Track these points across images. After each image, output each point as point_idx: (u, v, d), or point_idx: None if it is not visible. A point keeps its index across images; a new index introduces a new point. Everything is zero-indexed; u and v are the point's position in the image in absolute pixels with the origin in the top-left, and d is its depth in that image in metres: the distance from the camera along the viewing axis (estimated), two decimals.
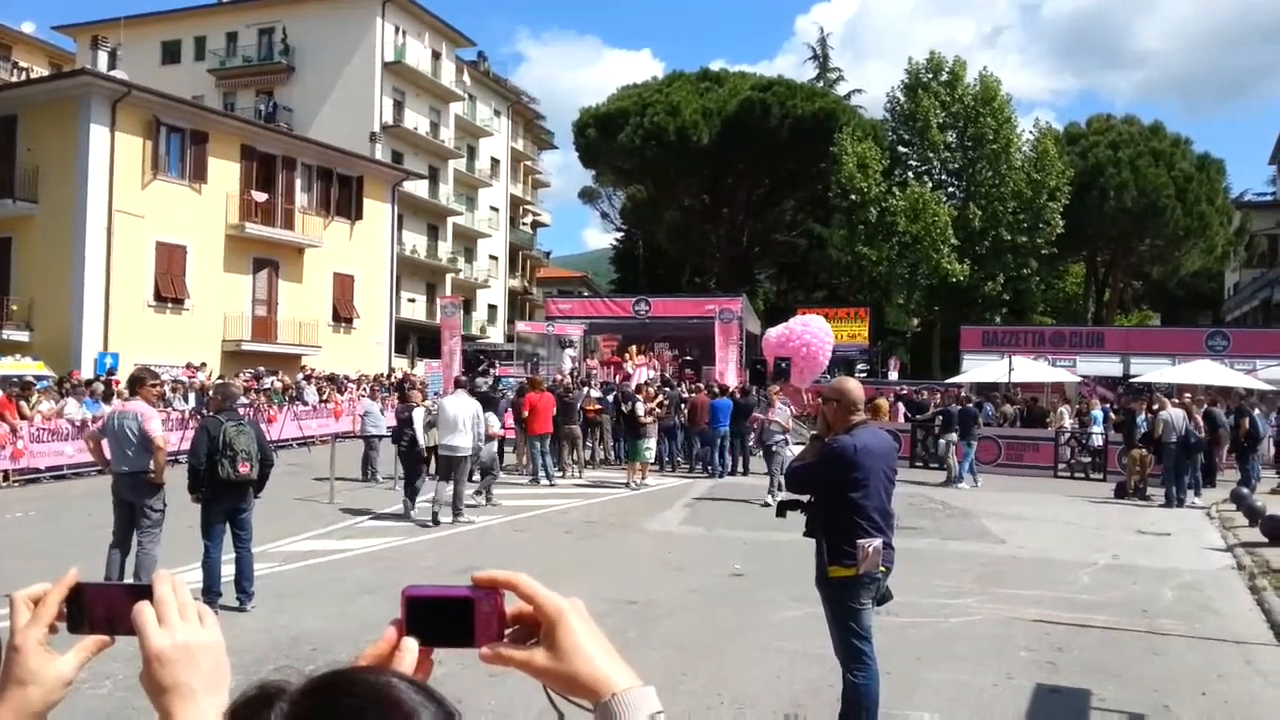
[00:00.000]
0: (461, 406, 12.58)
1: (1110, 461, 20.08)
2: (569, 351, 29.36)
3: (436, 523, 12.29)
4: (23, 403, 16.94)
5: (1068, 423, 22.09)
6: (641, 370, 27.11)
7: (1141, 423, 17.75)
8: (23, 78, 38.54)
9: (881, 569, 5.04)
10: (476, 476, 14.14)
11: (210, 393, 16.64)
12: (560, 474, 18.10)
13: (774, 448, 15.41)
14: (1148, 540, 12.66)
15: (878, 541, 4.96)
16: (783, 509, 5.59)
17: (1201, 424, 17.39)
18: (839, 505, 5.05)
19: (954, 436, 18.98)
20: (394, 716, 0.81)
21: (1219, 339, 30.89)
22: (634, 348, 29.56)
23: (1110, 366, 31.51)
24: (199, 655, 0.94)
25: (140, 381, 8.60)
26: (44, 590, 1.00)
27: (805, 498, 5.40)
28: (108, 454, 8.34)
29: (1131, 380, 28.67)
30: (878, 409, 22.92)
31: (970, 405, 20.35)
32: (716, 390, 21.02)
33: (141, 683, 0.93)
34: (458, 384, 14.23)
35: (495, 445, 15.31)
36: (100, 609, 0.99)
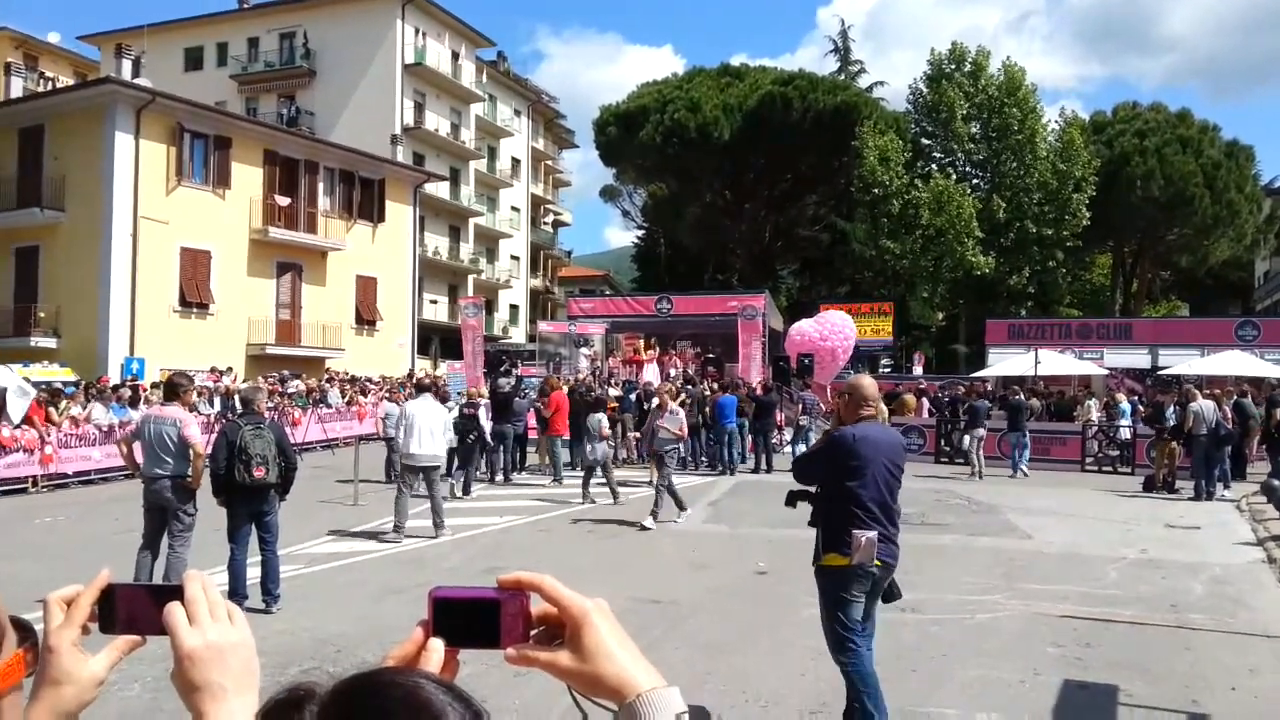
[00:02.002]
0: (429, 412, 11.99)
1: (1138, 455, 19.89)
2: (584, 350, 29.36)
3: (442, 527, 11.76)
4: (51, 409, 17.13)
5: (1095, 416, 21.89)
6: (649, 367, 27.08)
7: (1170, 415, 17.58)
8: (49, 87, 38.95)
9: (877, 563, 5.09)
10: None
11: (237, 397, 16.81)
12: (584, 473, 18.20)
13: (664, 456, 13.26)
14: (1177, 534, 12.54)
15: (872, 533, 5.02)
16: (792, 498, 5.65)
17: (1231, 415, 17.21)
18: (838, 494, 5.17)
19: (981, 432, 18.90)
20: (423, 717, 0.82)
21: (1249, 329, 30.48)
22: (641, 343, 29.49)
23: (1138, 358, 31.17)
24: (230, 654, 0.95)
25: (178, 387, 8.70)
26: (76, 592, 1.01)
27: (814, 488, 5.49)
28: (139, 458, 8.43)
29: (1160, 372, 28.40)
30: (904, 404, 23.00)
31: (1019, 398, 20.43)
32: (715, 387, 21.18)
33: (173, 682, 0.95)
34: (420, 387, 13.59)
35: (606, 445, 15.34)
36: (132, 610, 1.01)
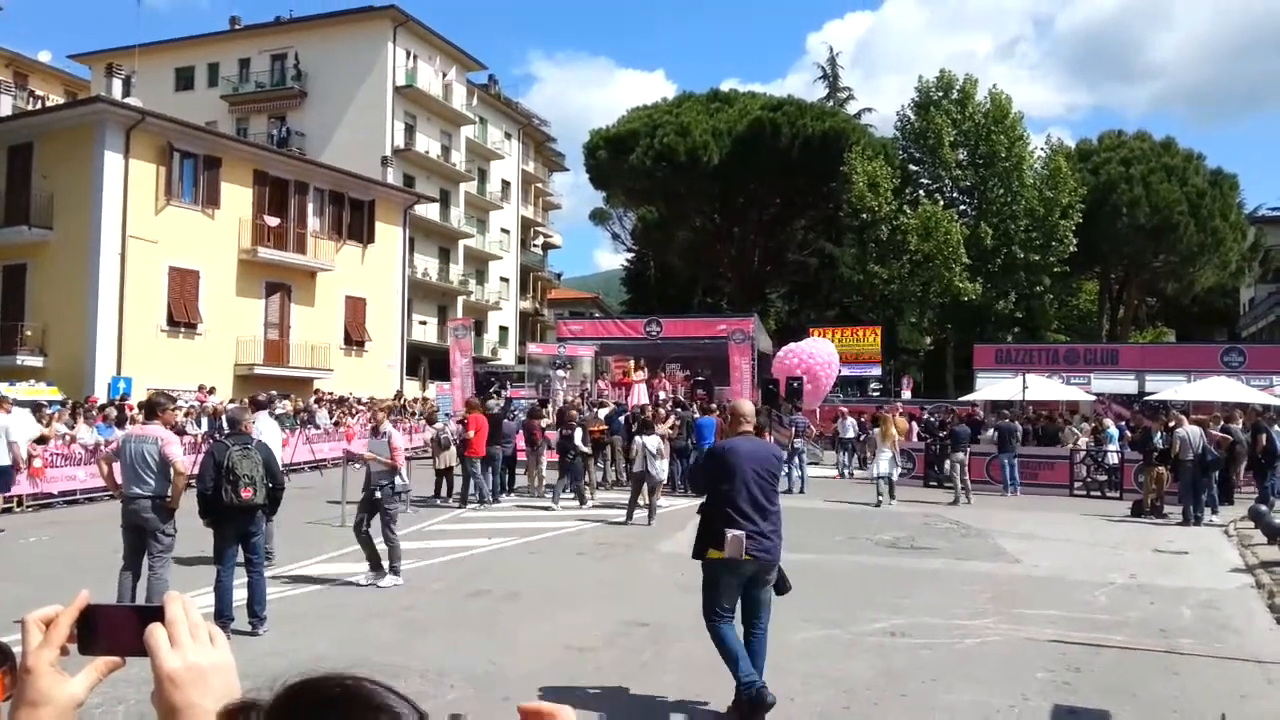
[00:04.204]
0: (276, 435, 10.60)
1: (1126, 479, 19.95)
2: (561, 373, 29.26)
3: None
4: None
5: (1083, 441, 21.95)
6: (638, 388, 27.06)
7: (1158, 440, 17.63)
8: (39, 106, 38.94)
9: (746, 557, 5.87)
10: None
11: (224, 417, 16.67)
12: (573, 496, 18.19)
13: (386, 505, 10.09)
14: (1165, 559, 12.55)
15: (740, 532, 5.86)
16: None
17: (1219, 440, 17.28)
18: (714, 497, 6.10)
19: (962, 456, 18.86)
20: (364, 708, 0.85)
21: (1235, 355, 30.75)
22: (631, 365, 29.48)
23: (1125, 384, 31.38)
24: (210, 676, 0.94)
25: (159, 406, 8.63)
26: (55, 612, 1.01)
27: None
28: (118, 478, 8.35)
29: (1147, 397, 28.55)
30: (898, 427, 23.08)
31: (1009, 421, 20.66)
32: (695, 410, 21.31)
33: (153, 704, 0.94)
34: (255, 405, 11.90)
35: (664, 465, 15.72)
36: (111, 630, 1.00)
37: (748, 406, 6.61)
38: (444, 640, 7.90)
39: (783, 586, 6.24)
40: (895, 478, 18.73)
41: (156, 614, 0.98)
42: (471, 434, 16.89)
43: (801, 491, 19.67)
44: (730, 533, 5.86)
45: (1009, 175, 41.20)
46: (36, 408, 18.29)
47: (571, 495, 17.42)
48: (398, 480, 10.25)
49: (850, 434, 24.48)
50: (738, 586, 6.03)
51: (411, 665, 6.97)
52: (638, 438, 15.86)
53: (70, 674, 0.99)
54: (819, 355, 27.93)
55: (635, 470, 15.74)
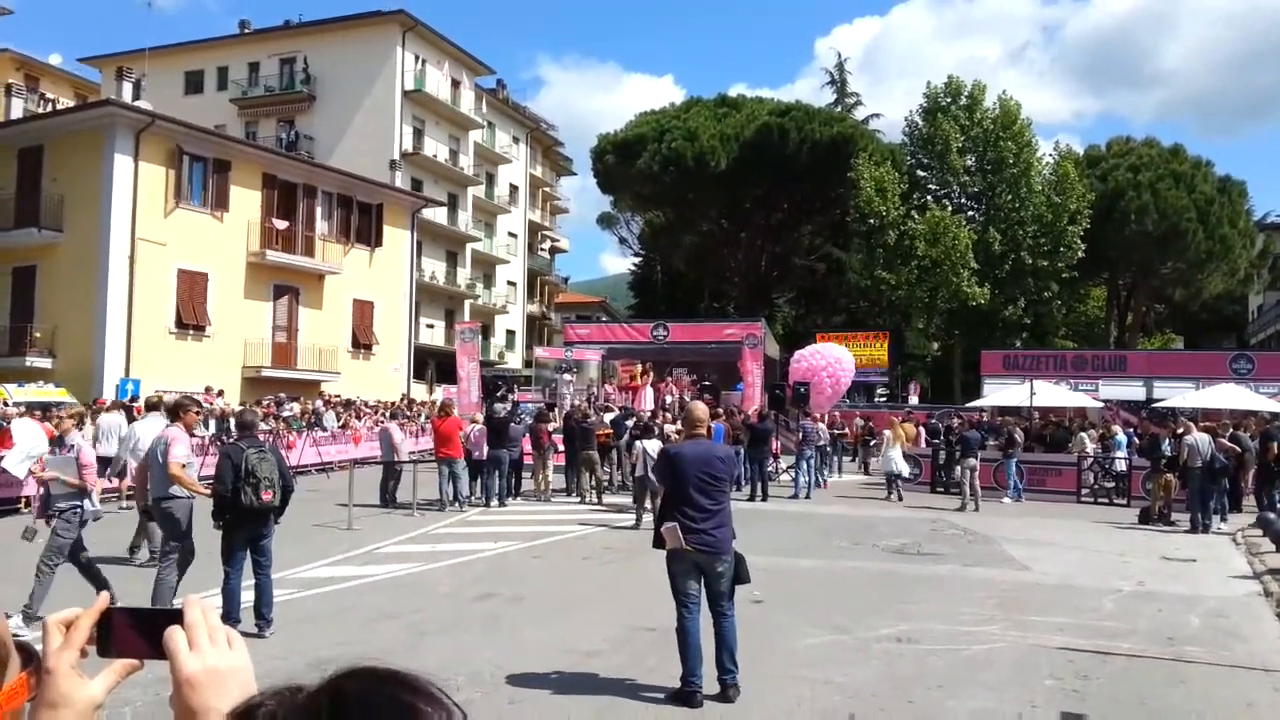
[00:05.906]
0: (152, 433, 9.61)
1: (1134, 486, 19.88)
2: (566, 376, 29.27)
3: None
4: (46, 425, 17.03)
5: (1090, 448, 21.85)
6: (645, 392, 27.06)
7: (1166, 447, 17.57)
8: (49, 109, 39.07)
9: (687, 549, 6.36)
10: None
11: (232, 420, 16.74)
12: (579, 500, 18.21)
13: (59, 530, 8.39)
14: (1173, 566, 12.51)
15: (672, 524, 6.39)
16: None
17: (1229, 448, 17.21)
18: (666, 495, 6.71)
19: (973, 462, 18.79)
20: (413, 692, 0.91)
21: (1243, 362, 30.64)
22: (638, 367, 29.44)
23: (1133, 390, 31.28)
24: (229, 679, 0.95)
25: (182, 408, 8.67)
26: (75, 615, 1.01)
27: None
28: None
29: (1155, 404, 28.47)
30: (905, 432, 23.06)
31: (1012, 426, 20.89)
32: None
33: (171, 706, 0.94)
34: (149, 405, 11.12)
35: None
36: (130, 633, 1.01)
37: (701, 411, 7.06)
38: (450, 643, 7.90)
39: (740, 578, 6.63)
40: (905, 475, 19.89)
41: (175, 617, 0.98)
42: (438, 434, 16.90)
43: (809, 497, 19.67)
44: (665, 526, 6.44)
45: (1017, 181, 41.14)
46: (45, 410, 18.33)
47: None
48: (87, 504, 8.73)
49: (822, 440, 24.33)
50: (692, 573, 6.45)
51: (418, 668, 6.97)
52: (637, 442, 15.80)
53: (89, 676, 1.00)
54: (844, 361, 27.96)
55: (636, 475, 15.72)
